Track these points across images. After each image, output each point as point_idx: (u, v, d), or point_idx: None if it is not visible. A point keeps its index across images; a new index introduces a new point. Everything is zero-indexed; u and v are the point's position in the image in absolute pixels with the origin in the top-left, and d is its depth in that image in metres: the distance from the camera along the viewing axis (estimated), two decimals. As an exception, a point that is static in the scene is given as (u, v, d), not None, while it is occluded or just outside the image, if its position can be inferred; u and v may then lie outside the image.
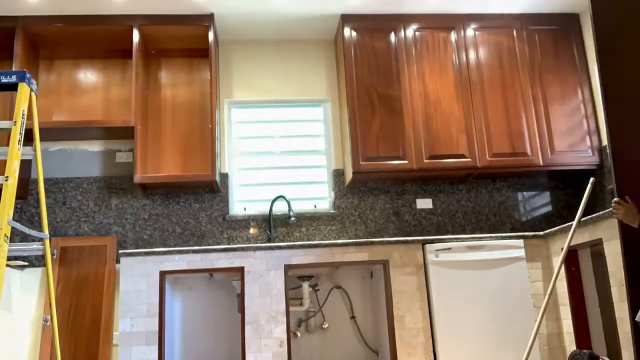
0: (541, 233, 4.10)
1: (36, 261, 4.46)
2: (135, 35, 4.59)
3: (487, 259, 3.99)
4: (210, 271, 3.89)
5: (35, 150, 3.32)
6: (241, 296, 3.85)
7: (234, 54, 5.09)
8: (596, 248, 3.84)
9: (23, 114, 3.17)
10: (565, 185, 5.02)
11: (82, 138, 4.72)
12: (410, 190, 4.90)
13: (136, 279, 3.80)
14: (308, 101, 5.08)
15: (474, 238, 4.03)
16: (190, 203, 4.70)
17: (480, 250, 4.00)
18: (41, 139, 4.68)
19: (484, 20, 4.91)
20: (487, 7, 4.86)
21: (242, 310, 3.82)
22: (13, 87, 3.23)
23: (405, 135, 4.59)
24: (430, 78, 4.73)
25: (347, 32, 4.76)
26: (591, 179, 3.41)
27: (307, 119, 5.08)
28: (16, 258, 4.40)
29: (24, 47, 4.53)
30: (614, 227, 3.31)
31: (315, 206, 4.87)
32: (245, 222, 4.71)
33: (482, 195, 4.94)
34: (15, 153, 3.04)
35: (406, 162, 4.53)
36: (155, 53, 4.96)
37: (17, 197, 4.53)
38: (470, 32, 4.87)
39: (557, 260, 3.94)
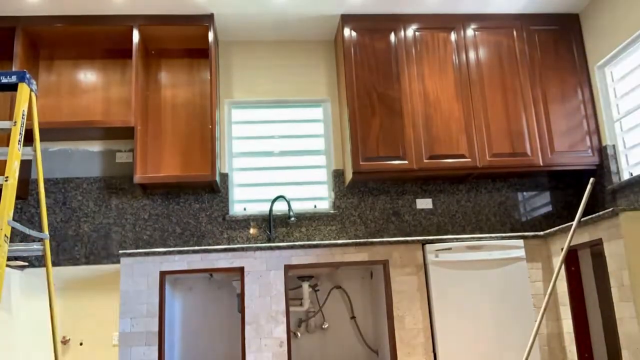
0: (541, 233, 4.10)
1: (36, 261, 4.46)
2: (135, 36, 4.59)
3: (487, 259, 3.99)
4: (210, 271, 3.89)
5: (35, 151, 3.32)
6: (241, 296, 3.85)
7: (234, 54, 5.09)
8: (596, 248, 3.84)
9: (23, 114, 3.17)
10: (565, 185, 5.02)
11: (82, 138, 4.72)
12: (410, 191, 4.90)
13: (136, 279, 3.80)
14: (308, 101, 5.08)
15: (474, 238, 4.03)
16: (190, 203, 4.70)
17: (480, 250, 4.00)
18: (41, 139, 4.69)
19: (483, 20, 4.91)
20: (487, 7, 4.87)
21: (242, 310, 3.82)
22: (13, 87, 3.24)
23: (405, 135, 4.59)
24: (430, 78, 4.73)
25: (347, 32, 4.77)
26: (591, 179, 3.41)
27: (307, 119, 5.08)
28: (16, 258, 4.41)
29: (24, 47, 4.53)
30: (614, 227, 3.31)
31: (315, 206, 4.87)
32: (245, 222, 4.71)
33: (482, 195, 4.94)
34: (15, 153, 3.05)
35: (406, 162, 4.53)
36: (155, 53, 4.96)
37: (17, 198, 4.53)
38: (470, 32, 4.87)
39: (557, 260, 3.94)
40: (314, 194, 4.91)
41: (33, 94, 3.37)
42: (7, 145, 3.10)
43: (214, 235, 4.65)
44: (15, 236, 4.42)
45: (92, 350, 4.36)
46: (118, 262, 4.52)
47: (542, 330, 3.97)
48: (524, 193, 4.99)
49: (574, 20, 5.00)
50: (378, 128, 4.59)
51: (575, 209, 4.95)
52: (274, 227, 4.72)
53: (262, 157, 4.95)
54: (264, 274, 3.88)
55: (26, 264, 4.37)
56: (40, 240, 3.33)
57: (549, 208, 4.96)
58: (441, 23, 4.88)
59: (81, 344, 4.37)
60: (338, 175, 4.90)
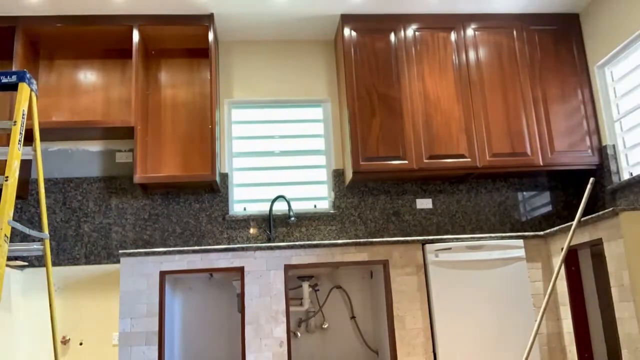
0: (541, 233, 4.10)
1: (36, 261, 4.46)
2: (135, 36, 4.59)
3: (487, 259, 3.99)
4: (210, 271, 3.89)
5: (35, 150, 3.32)
6: (241, 296, 3.85)
7: (234, 54, 5.09)
8: (596, 248, 3.84)
9: (23, 114, 3.17)
10: (565, 185, 5.03)
11: (82, 138, 4.72)
12: (410, 190, 4.90)
13: (136, 279, 3.80)
14: (308, 101, 5.08)
15: (474, 238, 4.03)
16: (190, 203, 4.71)
17: (480, 250, 4.00)
18: (41, 139, 4.69)
19: (483, 20, 4.91)
20: (487, 7, 4.87)
21: (242, 310, 3.82)
22: (13, 87, 3.24)
23: (405, 135, 4.59)
24: (430, 78, 4.73)
25: (347, 32, 4.77)
26: (591, 179, 3.41)
27: (307, 119, 5.08)
28: (16, 258, 4.40)
29: (24, 47, 4.53)
30: (614, 227, 3.31)
31: (315, 206, 4.87)
32: (245, 222, 4.71)
33: (482, 195, 4.94)
34: (16, 153, 3.05)
35: (406, 162, 4.53)
36: (155, 53, 4.96)
37: (17, 197, 4.53)
38: (470, 32, 4.87)
39: (557, 260, 3.94)
40: (314, 193, 4.91)
41: (33, 94, 3.37)
42: (7, 145, 3.09)
43: (214, 235, 4.66)
44: (15, 236, 4.42)
45: (92, 350, 4.36)
46: (118, 262, 4.53)
47: (542, 330, 3.97)
48: (524, 193, 4.99)
49: (574, 20, 5.00)
50: (378, 128, 4.59)
51: (575, 209, 4.96)
52: (274, 227, 4.72)
53: (262, 157, 4.95)
54: (264, 273, 3.88)
55: (26, 263, 4.37)
56: (40, 240, 3.33)
57: (549, 208, 4.96)
58: (441, 23, 4.88)
59: (81, 343, 4.37)
60: (338, 175, 4.90)
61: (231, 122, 5.00)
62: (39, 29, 4.58)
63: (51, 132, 4.51)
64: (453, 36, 4.86)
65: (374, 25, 4.82)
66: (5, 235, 2.80)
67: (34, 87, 3.36)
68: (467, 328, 3.87)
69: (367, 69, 4.70)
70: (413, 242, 4.02)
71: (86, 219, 4.59)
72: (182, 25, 4.65)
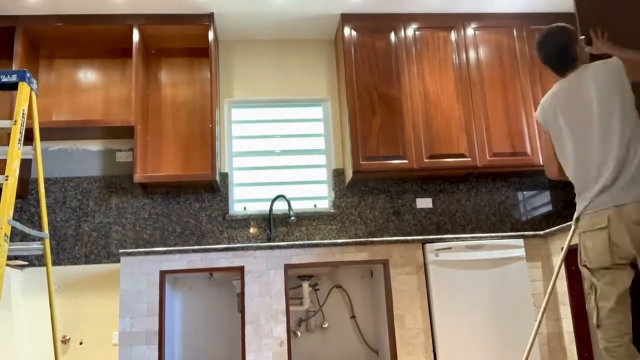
0: (541, 232, 4.10)
1: (36, 261, 4.46)
2: (135, 35, 4.59)
3: (487, 258, 3.99)
4: (210, 271, 3.89)
5: (35, 150, 3.32)
6: (241, 296, 3.85)
7: (234, 53, 5.09)
8: (596, 247, 3.83)
9: (23, 114, 3.17)
10: (565, 185, 5.02)
11: (82, 137, 4.72)
12: (410, 190, 4.90)
13: (136, 278, 3.80)
14: (308, 101, 5.08)
15: (474, 238, 4.03)
16: (191, 202, 4.70)
17: (480, 249, 4.00)
18: (41, 139, 4.68)
19: (484, 20, 4.91)
20: (487, 6, 4.87)
21: (242, 309, 3.82)
22: (13, 86, 3.24)
23: (405, 134, 4.59)
24: (430, 78, 4.73)
25: (347, 31, 4.76)
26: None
27: (307, 119, 5.08)
28: (16, 258, 4.41)
29: (24, 46, 4.53)
30: (614, 226, 3.30)
31: (315, 206, 4.87)
32: (245, 221, 4.71)
33: (482, 195, 4.94)
34: (16, 152, 3.05)
35: (406, 161, 4.53)
36: (156, 53, 4.96)
37: (17, 197, 4.53)
38: (470, 31, 4.87)
39: (557, 260, 3.94)
40: (314, 193, 4.91)
41: (33, 93, 3.37)
42: (7, 145, 3.09)
43: (214, 234, 4.65)
44: (15, 235, 4.42)
45: (92, 350, 4.36)
46: (118, 261, 4.53)
47: (542, 330, 3.97)
48: (524, 192, 4.99)
49: (574, 19, 4.98)
50: (378, 127, 4.59)
51: (575, 208, 4.95)
52: (274, 226, 4.72)
53: (262, 156, 4.95)
54: (264, 273, 3.88)
55: (26, 263, 4.37)
56: (41, 239, 3.33)
57: (549, 207, 4.96)
58: (441, 22, 4.88)
59: (81, 343, 4.37)
60: (338, 174, 4.90)
61: (231, 121, 5.00)
62: (39, 29, 4.58)
63: (51, 132, 4.51)
64: (453, 35, 4.85)
65: (374, 25, 4.82)
66: (5, 234, 2.80)
67: (34, 86, 3.36)
68: (467, 328, 3.87)
69: (367, 69, 4.70)
70: (413, 241, 4.02)
71: (86, 219, 4.59)
72: (182, 24, 4.65)
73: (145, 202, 4.67)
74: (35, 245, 3.28)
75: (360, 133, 4.56)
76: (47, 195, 4.60)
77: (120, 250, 3.85)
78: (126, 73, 4.87)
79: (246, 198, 4.84)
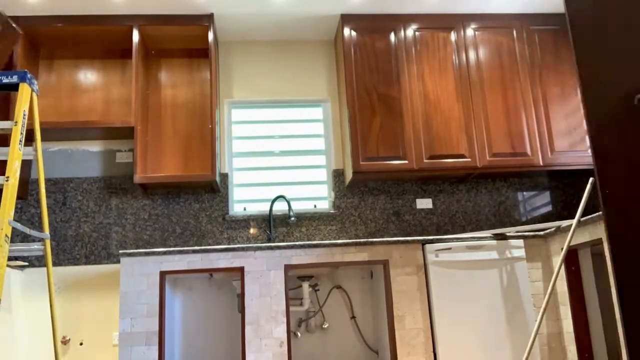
0: (541, 233, 4.11)
1: (36, 261, 4.46)
2: (135, 36, 4.59)
3: (487, 259, 4.00)
4: (210, 271, 3.89)
5: (36, 151, 3.32)
6: (241, 296, 3.85)
7: (234, 54, 5.09)
8: (596, 248, 3.84)
9: (24, 114, 3.17)
10: (565, 185, 5.03)
11: (82, 138, 4.72)
12: (410, 190, 4.90)
13: (136, 279, 3.80)
14: (308, 101, 5.08)
15: (474, 238, 4.04)
16: (190, 203, 4.71)
17: (480, 250, 4.00)
18: (41, 139, 4.68)
19: (483, 20, 4.92)
20: (487, 7, 4.87)
21: (242, 310, 3.83)
22: (14, 87, 3.24)
23: (405, 135, 4.59)
24: (430, 78, 4.73)
25: (347, 32, 4.77)
26: (591, 179, 3.42)
27: (307, 119, 5.08)
28: (16, 258, 4.41)
29: (24, 47, 4.53)
30: (614, 227, 3.31)
31: (315, 206, 4.87)
32: (245, 222, 4.71)
33: (482, 195, 4.94)
34: (16, 153, 3.05)
35: (406, 162, 4.54)
36: (155, 53, 4.96)
37: (17, 198, 4.53)
38: (470, 32, 4.88)
39: (557, 260, 3.94)
40: (314, 193, 4.91)
41: (34, 94, 3.37)
42: (8, 146, 3.10)
43: (214, 235, 4.66)
44: (15, 236, 4.42)
45: (92, 350, 4.36)
46: (118, 262, 4.53)
47: (542, 330, 3.97)
48: (524, 193, 4.99)
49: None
50: (378, 128, 4.59)
51: (575, 209, 4.96)
52: (274, 227, 4.72)
53: (262, 157, 4.95)
54: (264, 273, 3.89)
55: (26, 264, 4.37)
56: (41, 240, 3.33)
57: (549, 208, 4.97)
58: (441, 23, 4.88)
59: (81, 344, 4.37)
60: (338, 175, 4.90)
61: (231, 122, 5.00)
62: (39, 30, 4.58)
63: (51, 132, 4.51)
64: (453, 36, 4.86)
65: (374, 25, 4.82)
66: (6, 235, 2.80)
67: (35, 87, 3.36)
68: (467, 328, 3.87)
69: (367, 69, 4.70)
70: (413, 242, 4.03)
71: (86, 219, 4.59)
72: (182, 25, 4.65)
73: (145, 203, 4.67)
74: (36, 246, 3.28)
75: (360, 134, 4.56)
76: (47, 196, 4.60)
77: (120, 251, 3.84)
78: (126, 74, 4.87)
79: (246, 199, 4.85)
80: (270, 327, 3.80)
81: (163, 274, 3.83)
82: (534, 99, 4.76)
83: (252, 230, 4.69)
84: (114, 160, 4.75)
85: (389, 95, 4.66)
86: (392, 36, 4.81)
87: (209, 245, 4.62)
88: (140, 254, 3.84)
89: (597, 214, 3.43)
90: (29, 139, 4.49)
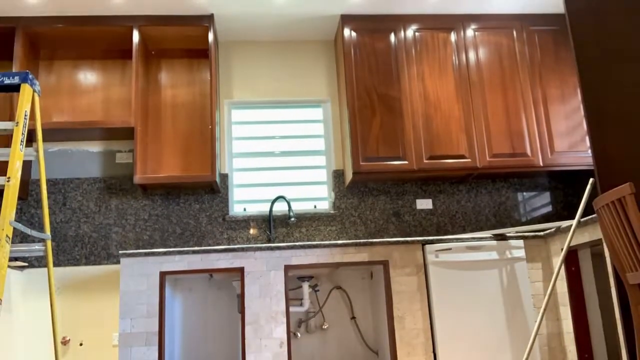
0: (541, 233, 4.11)
1: (36, 262, 4.46)
2: (135, 36, 4.59)
3: (487, 259, 4.00)
4: (210, 272, 3.89)
5: (37, 151, 3.32)
6: (241, 296, 3.85)
7: (234, 54, 5.09)
8: (596, 248, 3.85)
9: (25, 115, 3.17)
10: (565, 186, 5.03)
11: (82, 139, 4.72)
12: (410, 191, 4.90)
13: (136, 279, 3.80)
14: (308, 102, 5.08)
15: (474, 238, 4.04)
16: (190, 204, 4.71)
17: (480, 250, 4.01)
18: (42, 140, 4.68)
19: (483, 21, 4.92)
20: (487, 7, 4.87)
21: (242, 310, 3.83)
22: (16, 88, 3.24)
23: (405, 135, 4.59)
24: (430, 78, 4.74)
25: (347, 32, 4.77)
26: (591, 179, 3.42)
27: (307, 120, 5.08)
28: (16, 259, 4.40)
29: (24, 47, 4.53)
30: (614, 227, 3.31)
31: (315, 207, 4.87)
32: (245, 222, 4.71)
33: (482, 196, 4.95)
34: (18, 154, 3.05)
35: (406, 162, 4.54)
36: (155, 53, 4.96)
37: (17, 198, 4.52)
38: (470, 32, 4.88)
39: (557, 260, 3.95)
40: (314, 194, 4.92)
41: (36, 95, 3.37)
42: (9, 146, 3.10)
43: (214, 235, 4.66)
44: (15, 237, 4.42)
45: (92, 351, 4.36)
46: (118, 262, 4.53)
47: (542, 330, 3.98)
48: (524, 193, 5.00)
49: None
50: (378, 128, 4.59)
51: (575, 209, 4.96)
52: (274, 227, 4.72)
53: (262, 157, 4.96)
54: (264, 274, 3.89)
55: (26, 264, 4.37)
56: (42, 240, 3.33)
57: (549, 208, 4.97)
58: (441, 23, 4.89)
59: (81, 344, 4.37)
60: (338, 175, 4.90)
61: (231, 122, 5.00)
62: (39, 29, 4.58)
63: (51, 133, 4.51)
64: (453, 36, 4.86)
65: (374, 26, 4.82)
66: (7, 235, 2.80)
67: (37, 87, 3.36)
68: (467, 328, 3.87)
69: (367, 69, 4.71)
70: (413, 242, 4.03)
71: (86, 220, 4.59)
72: (182, 25, 4.65)
73: (145, 203, 4.67)
74: (37, 246, 3.28)
75: (360, 134, 4.56)
76: (47, 197, 4.59)
77: (120, 252, 3.84)
78: (126, 74, 4.87)
79: (246, 199, 4.85)
80: (270, 328, 3.80)
81: (163, 275, 3.84)
82: (534, 99, 4.76)
83: (252, 231, 4.70)
84: (114, 160, 4.75)
85: (389, 95, 4.66)
86: (392, 36, 4.82)
87: (209, 245, 4.62)
88: (140, 255, 3.84)
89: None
90: (30, 140, 4.50)
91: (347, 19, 4.80)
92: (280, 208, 4.79)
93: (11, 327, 4.22)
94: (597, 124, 3.13)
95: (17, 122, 3.11)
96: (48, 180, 4.64)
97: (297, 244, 3.93)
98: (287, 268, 3.91)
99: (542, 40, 4.91)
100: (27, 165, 4.58)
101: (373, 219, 4.82)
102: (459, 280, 3.95)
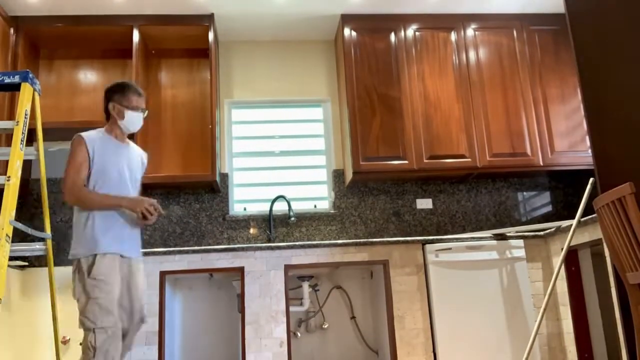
0: (541, 233, 4.11)
1: (36, 262, 4.46)
2: (135, 36, 4.59)
3: (487, 259, 4.00)
4: (211, 271, 3.89)
5: (38, 150, 3.32)
6: (241, 296, 3.85)
7: (234, 54, 5.09)
8: (596, 248, 3.85)
9: (26, 114, 3.17)
10: (565, 185, 5.03)
11: (82, 138, 4.71)
12: (410, 190, 4.91)
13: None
14: (308, 101, 5.09)
15: (474, 238, 4.04)
16: (191, 203, 4.71)
17: (480, 250, 4.01)
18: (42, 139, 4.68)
19: (483, 20, 4.92)
20: (487, 7, 4.87)
21: (242, 310, 3.83)
22: (16, 87, 3.24)
23: (405, 135, 4.59)
24: (430, 78, 4.74)
25: (347, 32, 4.77)
26: (591, 179, 3.42)
27: (307, 119, 5.08)
28: (16, 258, 4.40)
29: (24, 47, 4.53)
30: (614, 227, 3.31)
31: (315, 206, 4.87)
32: (245, 222, 4.71)
33: (482, 196, 4.95)
34: (18, 153, 3.05)
35: (406, 162, 4.54)
36: (155, 53, 4.96)
37: (18, 197, 4.52)
38: (470, 32, 4.88)
39: (557, 260, 3.95)
40: (314, 193, 4.92)
41: (36, 94, 3.37)
42: (9, 145, 3.10)
43: (214, 235, 4.66)
44: (14, 236, 4.41)
45: (92, 350, 4.35)
46: (118, 262, 4.52)
47: (542, 330, 3.98)
48: (524, 193, 5.00)
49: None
50: (378, 128, 4.59)
51: (575, 209, 4.96)
52: (274, 227, 4.72)
53: (262, 157, 4.96)
54: (264, 273, 3.89)
55: (26, 263, 4.37)
56: (43, 240, 3.33)
57: (549, 208, 4.97)
58: (441, 23, 4.89)
59: (81, 344, 4.36)
60: (338, 175, 4.90)
61: (231, 122, 5.00)
62: (39, 29, 4.58)
63: (51, 132, 4.51)
64: (453, 36, 4.86)
65: (374, 25, 4.82)
66: (7, 235, 2.80)
67: (37, 87, 3.36)
68: (467, 328, 3.87)
69: (367, 69, 4.71)
70: (413, 242, 4.03)
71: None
72: (182, 25, 4.65)
73: (146, 203, 4.66)
74: (38, 245, 3.28)
75: (360, 134, 4.56)
76: (47, 196, 4.59)
77: (121, 251, 3.83)
78: (126, 74, 4.87)
79: (246, 199, 4.85)
80: (270, 327, 3.80)
81: (163, 274, 3.84)
82: (534, 99, 4.76)
83: (252, 230, 4.70)
84: (114, 160, 4.74)
85: (389, 95, 4.66)
86: (392, 36, 4.82)
87: (209, 245, 4.62)
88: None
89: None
90: (30, 139, 4.49)
91: (347, 19, 4.80)
92: (280, 208, 4.79)
93: (11, 327, 4.22)
94: (597, 124, 3.13)
95: (18, 121, 3.11)
96: (48, 180, 4.64)
97: (297, 243, 3.93)
98: (287, 268, 3.91)
99: (542, 40, 4.91)
100: (26, 165, 4.58)
101: (373, 218, 4.82)
102: (459, 280, 3.95)
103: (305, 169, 4.96)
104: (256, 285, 3.86)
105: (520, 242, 4.06)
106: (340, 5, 4.71)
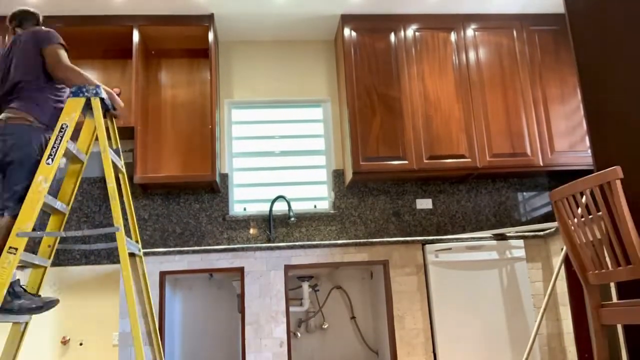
0: (541, 233, 4.11)
1: (36, 261, 4.45)
2: (135, 36, 4.59)
3: (487, 259, 4.00)
4: (210, 271, 3.89)
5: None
6: (241, 296, 3.85)
7: (234, 54, 5.09)
8: (596, 248, 3.84)
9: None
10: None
11: (82, 138, 4.71)
12: (410, 191, 4.90)
13: (136, 279, 3.79)
14: (308, 101, 5.08)
15: (474, 238, 4.04)
16: (191, 203, 4.71)
17: (480, 250, 4.01)
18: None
19: (483, 21, 4.92)
20: (487, 7, 4.87)
21: (242, 310, 3.83)
22: None
23: (405, 135, 4.59)
24: (430, 78, 4.73)
25: (347, 32, 4.77)
26: (591, 180, 3.41)
27: (307, 119, 5.08)
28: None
29: (24, 47, 4.52)
30: (614, 227, 3.31)
31: (315, 206, 4.87)
32: (245, 222, 4.71)
33: (482, 196, 4.94)
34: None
35: (406, 162, 4.54)
36: (155, 53, 4.96)
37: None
38: (470, 32, 4.88)
39: (557, 260, 3.94)
40: (314, 194, 4.92)
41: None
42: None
43: (214, 235, 4.66)
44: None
45: (92, 351, 4.36)
46: (118, 262, 4.52)
47: (542, 330, 3.98)
48: (524, 193, 4.99)
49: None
50: (378, 128, 4.59)
51: (575, 209, 4.95)
52: (274, 227, 4.72)
53: (262, 157, 4.95)
54: (264, 274, 3.89)
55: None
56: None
57: (549, 208, 4.97)
58: (441, 23, 4.88)
59: (81, 344, 4.37)
60: (338, 175, 4.90)
61: (231, 122, 5.00)
62: (39, 29, 4.57)
63: (51, 132, 4.51)
64: (453, 36, 4.86)
65: (374, 25, 4.82)
66: (9, 247, 2.77)
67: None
68: (467, 328, 3.87)
69: (367, 69, 4.70)
70: (413, 242, 4.03)
71: (86, 219, 4.59)
72: (182, 25, 4.65)
73: (145, 203, 4.67)
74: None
75: (360, 134, 4.56)
76: (47, 196, 4.59)
77: (121, 251, 3.84)
78: (126, 74, 4.87)
79: (246, 199, 4.85)
80: (270, 327, 3.80)
81: (163, 274, 3.84)
82: (534, 99, 4.76)
83: (252, 231, 4.69)
84: (114, 160, 4.74)
85: (389, 95, 4.66)
86: (392, 36, 4.81)
87: (209, 245, 4.62)
88: (140, 254, 3.83)
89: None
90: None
91: (347, 19, 4.80)
92: (280, 208, 4.79)
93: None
94: (597, 124, 3.13)
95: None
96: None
97: (297, 243, 3.93)
98: (287, 268, 3.91)
99: (542, 40, 4.91)
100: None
101: (373, 218, 4.81)
102: (459, 280, 3.94)
103: (305, 169, 4.96)
104: (256, 286, 3.86)
105: (520, 242, 4.05)
106: (340, 6, 4.71)
